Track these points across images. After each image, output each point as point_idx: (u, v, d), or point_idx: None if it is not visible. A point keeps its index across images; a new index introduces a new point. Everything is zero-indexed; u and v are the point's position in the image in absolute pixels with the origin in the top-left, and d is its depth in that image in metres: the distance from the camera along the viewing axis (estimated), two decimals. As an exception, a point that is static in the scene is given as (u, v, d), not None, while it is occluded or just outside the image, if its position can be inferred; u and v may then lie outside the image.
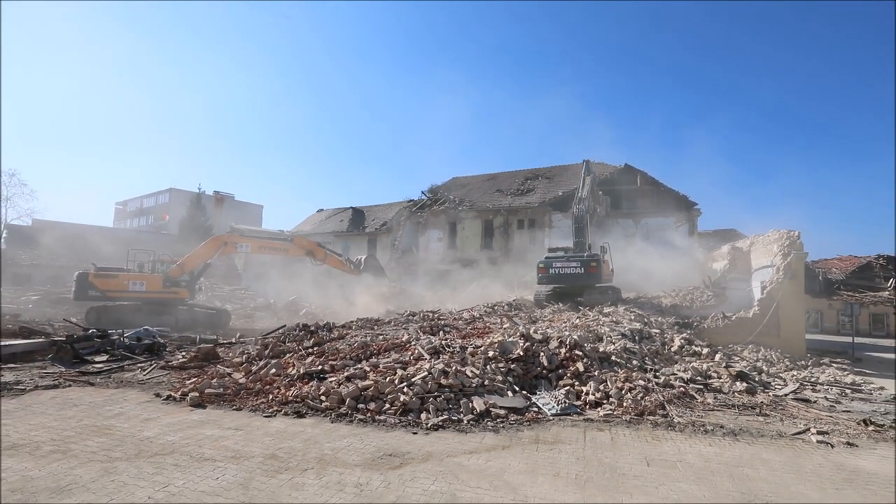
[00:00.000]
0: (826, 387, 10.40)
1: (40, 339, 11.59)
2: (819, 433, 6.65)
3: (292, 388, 7.69)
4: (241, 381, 8.30)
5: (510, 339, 9.56)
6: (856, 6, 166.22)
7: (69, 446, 5.28)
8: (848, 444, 6.29)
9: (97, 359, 10.43)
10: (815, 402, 8.92)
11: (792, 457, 5.71)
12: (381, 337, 10.71)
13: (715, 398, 8.43)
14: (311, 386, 7.62)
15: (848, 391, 10.07)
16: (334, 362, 8.74)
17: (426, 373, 7.60)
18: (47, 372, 9.21)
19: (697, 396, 8.41)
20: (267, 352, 10.07)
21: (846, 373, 12.15)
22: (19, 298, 25.40)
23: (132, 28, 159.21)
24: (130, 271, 18.98)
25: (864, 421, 7.38)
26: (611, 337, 10.89)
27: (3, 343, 10.54)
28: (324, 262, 20.66)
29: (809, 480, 4.98)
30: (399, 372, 7.84)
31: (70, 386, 8.26)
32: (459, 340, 10.14)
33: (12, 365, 9.60)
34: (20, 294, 26.92)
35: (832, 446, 6.18)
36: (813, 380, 11.00)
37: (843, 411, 8.32)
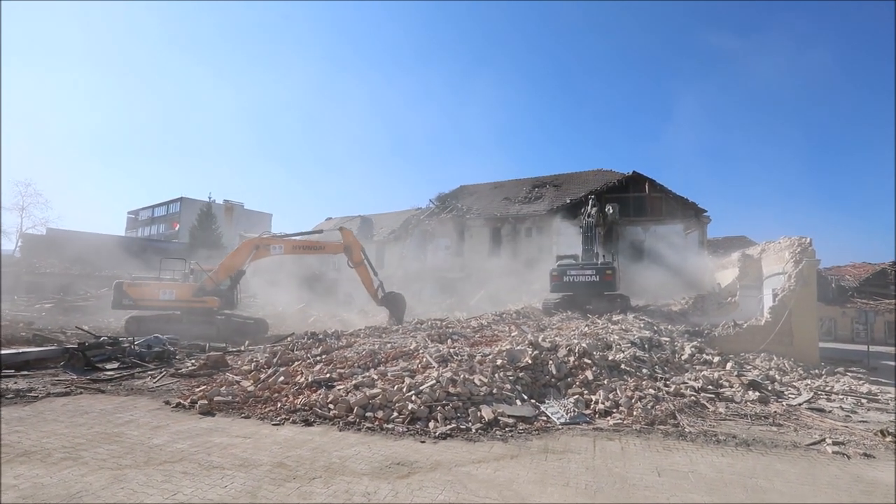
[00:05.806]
0: (841, 396, 10.21)
1: (53, 347, 11.74)
2: (835, 444, 6.52)
3: (300, 396, 7.70)
4: (249, 388, 8.33)
5: (518, 348, 9.52)
6: (857, 5, 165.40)
7: (80, 453, 5.31)
8: (865, 455, 6.17)
9: (108, 366, 10.52)
10: (830, 411, 8.77)
11: (807, 468, 5.60)
12: (388, 345, 10.71)
13: (727, 407, 8.33)
14: (320, 394, 7.62)
15: (864, 401, 9.88)
16: (342, 370, 8.75)
17: (434, 381, 7.58)
18: (59, 379, 9.30)
19: (709, 405, 8.30)
20: (275, 360, 10.10)
21: (862, 382, 11.91)
22: (32, 306, 25.75)
23: (142, 35, 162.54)
24: (161, 280, 18.87)
25: (882, 431, 7.22)
26: (620, 345, 10.81)
27: (18, 350, 10.69)
28: (356, 268, 19.40)
29: (825, 492, 4.88)
30: (407, 380, 7.82)
31: (81, 393, 8.33)
32: (467, 348, 10.12)
33: (25, 372, 9.72)
34: (33, 302, 27.30)
35: (848, 457, 6.06)
36: (827, 389, 10.81)
37: (860, 421, 8.16)
